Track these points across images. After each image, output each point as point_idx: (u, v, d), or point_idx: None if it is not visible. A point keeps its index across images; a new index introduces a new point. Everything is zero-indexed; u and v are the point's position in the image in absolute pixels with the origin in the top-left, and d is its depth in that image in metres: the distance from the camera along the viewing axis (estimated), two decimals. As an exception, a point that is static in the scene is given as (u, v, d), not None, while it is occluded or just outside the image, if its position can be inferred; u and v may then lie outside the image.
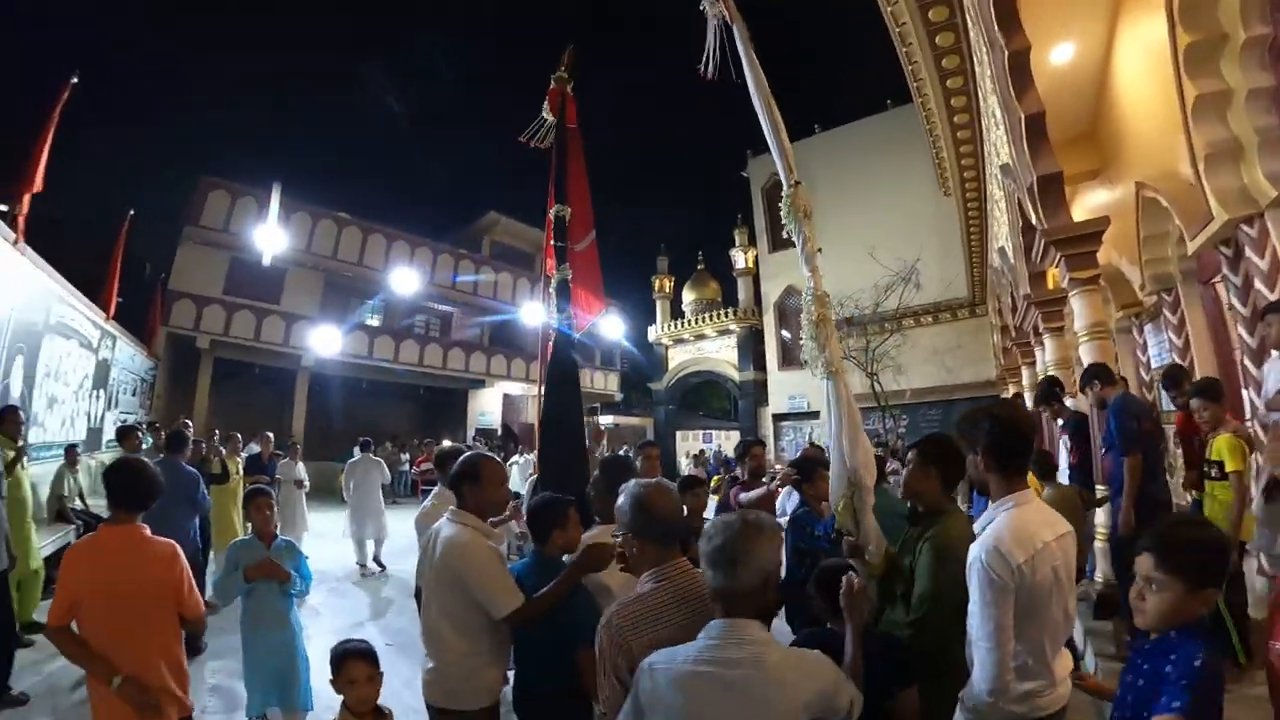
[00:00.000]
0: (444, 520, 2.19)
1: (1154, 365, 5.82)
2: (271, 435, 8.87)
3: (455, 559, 2.03)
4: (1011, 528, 1.57)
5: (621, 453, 7.26)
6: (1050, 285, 6.22)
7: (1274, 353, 3.19)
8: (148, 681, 1.99)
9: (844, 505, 2.14)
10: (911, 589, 1.90)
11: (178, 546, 2.21)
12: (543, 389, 3.94)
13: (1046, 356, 6.42)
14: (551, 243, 4.50)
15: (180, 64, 42.02)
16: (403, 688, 3.54)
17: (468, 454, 2.50)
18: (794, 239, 2.67)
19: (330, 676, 2.01)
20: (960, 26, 5.29)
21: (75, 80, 6.69)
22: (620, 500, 1.68)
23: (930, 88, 6.83)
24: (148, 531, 2.19)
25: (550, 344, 4.27)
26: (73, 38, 29.26)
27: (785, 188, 2.80)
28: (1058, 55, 4.90)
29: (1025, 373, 8.99)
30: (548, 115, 4.66)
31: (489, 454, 2.54)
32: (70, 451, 6.65)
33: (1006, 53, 3.86)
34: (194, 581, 2.23)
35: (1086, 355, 4.88)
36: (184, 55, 41.51)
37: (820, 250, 2.71)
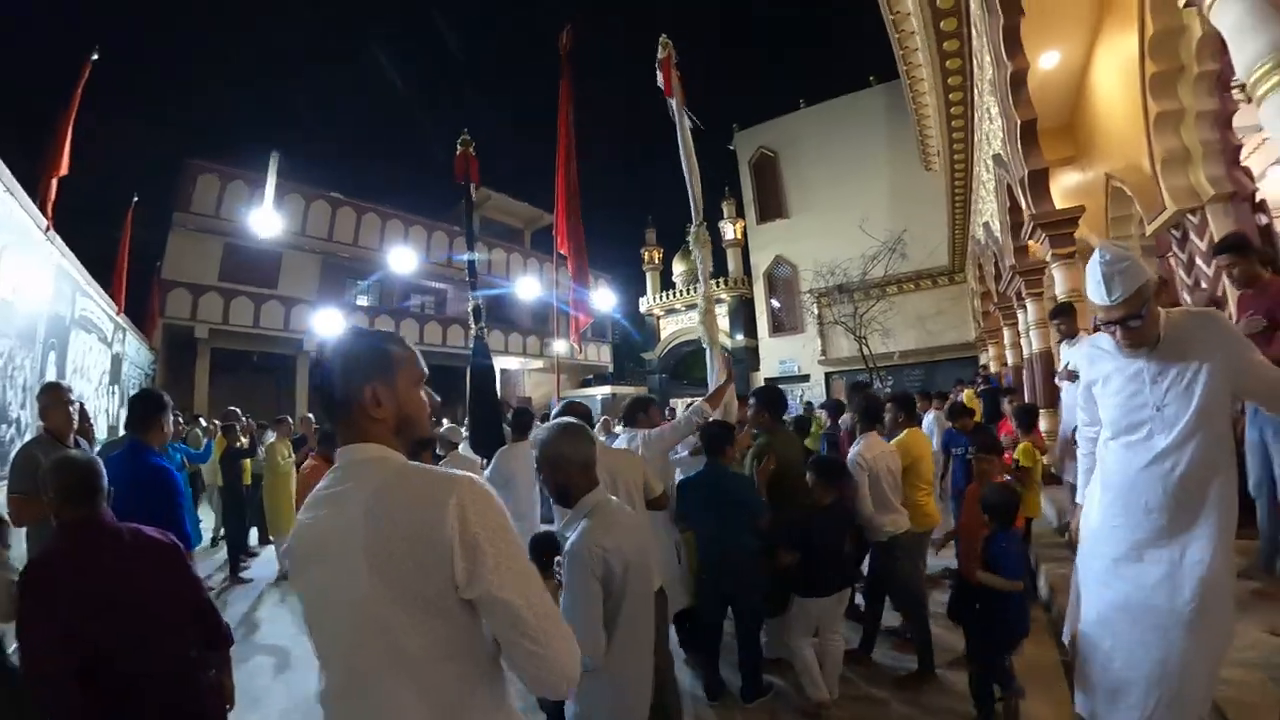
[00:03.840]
0: None
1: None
2: (312, 417, 8.96)
3: None
4: (863, 447, 3.42)
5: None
6: (1032, 256, 7.17)
7: (1064, 343, 4.65)
8: None
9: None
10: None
11: None
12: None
13: (1029, 317, 7.39)
14: (469, 280, 5.82)
15: (166, 43, 40.28)
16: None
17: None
18: (696, 267, 4.39)
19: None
20: (965, 37, 6.10)
21: (96, 57, 6.50)
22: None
23: (929, 83, 7.63)
24: None
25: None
26: (59, 19, 28.23)
27: (693, 226, 4.42)
28: (1046, 60, 5.73)
29: (1007, 332, 10.02)
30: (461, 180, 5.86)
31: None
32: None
33: (1010, 70, 4.70)
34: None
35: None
36: (169, 34, 39.79)
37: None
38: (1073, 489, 3.38)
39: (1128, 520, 1.81)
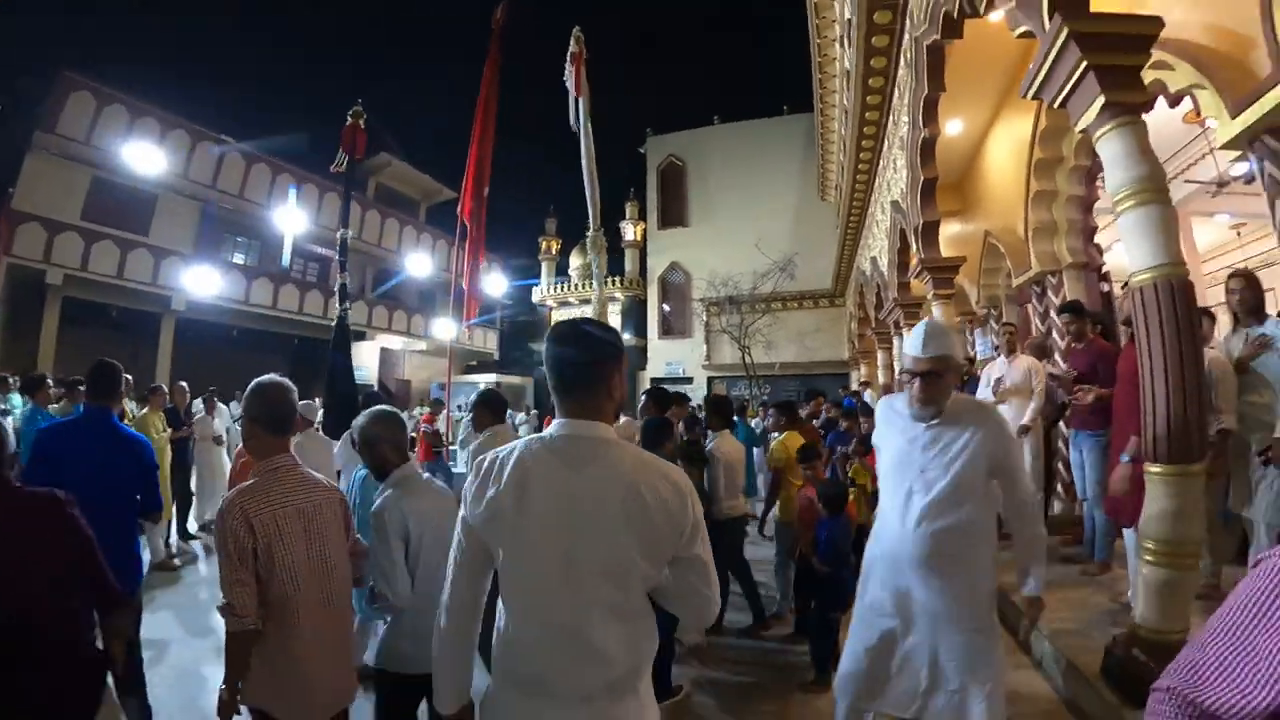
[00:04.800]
0: None
1: (979, 357, 8.09)
2: (185, 385, 7.79)
3: None
4: (717, 442, 4.17)
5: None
6: (913, 292, 8.23)
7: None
8: None
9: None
10: None
11: None
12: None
13: (902, 344, 8.48)
14: (339, 259, 5.93)
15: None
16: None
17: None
18: (592, 269, 4.74)
19: None
20: (888, 94, 6.93)
21: None
22: None
23: (849, 127, 8.51)
24: None
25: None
26: None
27: (590, 230, 4.84)
28: (951, 126, 6.63)
29: (881, 355, 11.28)
30: (343, 151, 6.03)
31: None
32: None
33: (924, 134, 5.48)
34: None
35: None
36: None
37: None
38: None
39: (894, 566, 2.03)
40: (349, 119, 5.88)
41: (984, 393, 4.69)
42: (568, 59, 5.10)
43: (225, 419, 8.30)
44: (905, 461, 2.05)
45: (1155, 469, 2.38)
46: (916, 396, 2.00)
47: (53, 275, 12.56)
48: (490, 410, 3.69)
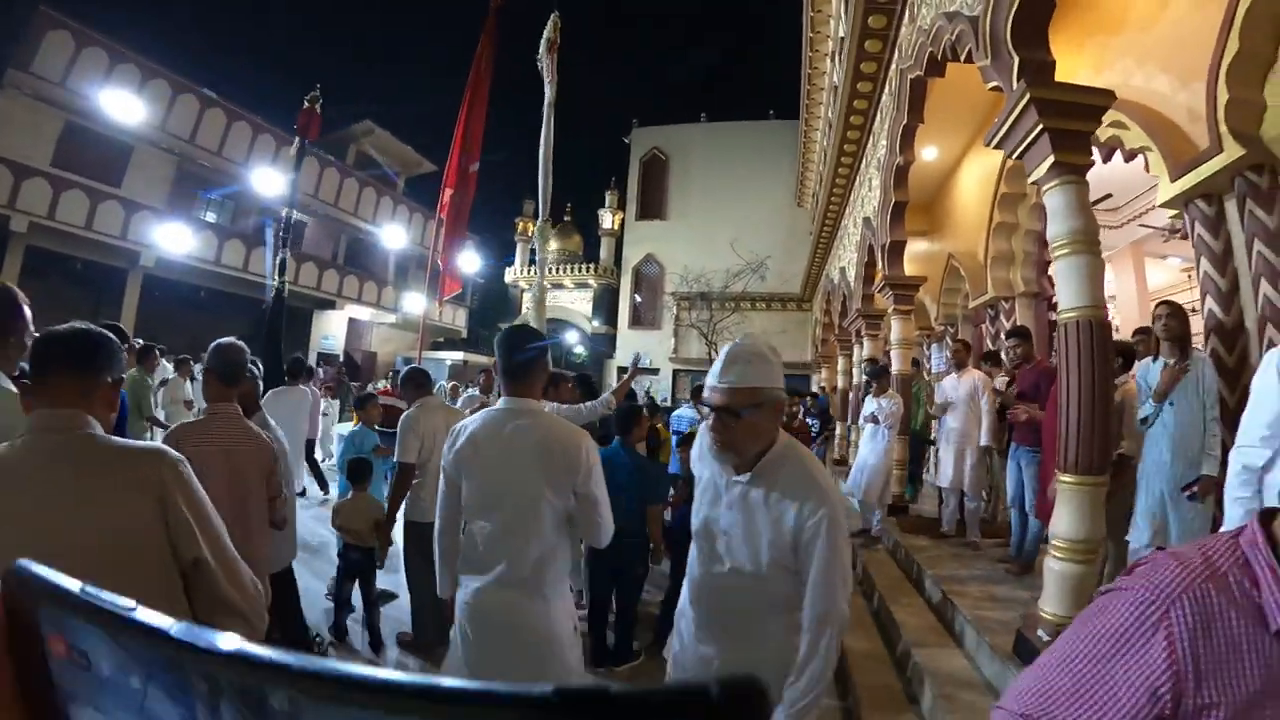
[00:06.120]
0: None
1: (934, 370, 8.61)
2: (140, 343, 7.75)
3: None
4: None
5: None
6: (876, 305, 8.69)
7: (869, 396, 5.89)
8: None
9: None
10: None
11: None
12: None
13: (863, 351, 8.95)
14: (282, 235, 6.36)
15: None
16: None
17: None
18: (537, 253, 5.20)
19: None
20: (870, 116, 7.31)
21: None
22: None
23: (830, 143, 8.89)
24: None
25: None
26: None
27: (540, 220, 5.09)
28: (927, 153, 7.03)
29: (841, 360, 11.79)
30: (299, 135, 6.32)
31: None
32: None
33: (899, 160, 5.86)
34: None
35: (895, 360, 7.21)
36: None
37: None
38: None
39: (695, 608, 1.71)
40: (306, 103, 6.08)
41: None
42: (544, 45, 5.18)
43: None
44: (713, 513, 1.64)
45: (1066, 478, 2.78)
46: (711, 436, 1.53)
47: (17, 222, 12.10)
48: (416, 385, 3.97)
